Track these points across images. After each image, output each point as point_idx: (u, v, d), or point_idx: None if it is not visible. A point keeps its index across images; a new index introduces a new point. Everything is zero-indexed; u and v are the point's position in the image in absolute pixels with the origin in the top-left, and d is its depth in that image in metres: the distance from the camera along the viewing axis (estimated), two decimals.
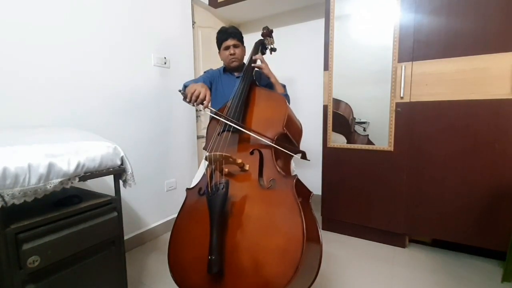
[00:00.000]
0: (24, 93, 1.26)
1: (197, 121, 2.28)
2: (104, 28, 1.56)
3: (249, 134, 1.12)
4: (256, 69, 1.43)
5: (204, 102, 1.11)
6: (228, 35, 1.44)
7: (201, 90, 1.12)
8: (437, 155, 1.59)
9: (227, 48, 1.45)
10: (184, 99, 1.13)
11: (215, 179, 1.06)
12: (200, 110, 1.13)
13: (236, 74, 1.51)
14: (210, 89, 1.51)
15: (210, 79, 1.52)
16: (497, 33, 1.40)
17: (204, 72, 1.60)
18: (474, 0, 1.43)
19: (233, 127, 1.12)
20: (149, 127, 1.87)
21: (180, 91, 1.13)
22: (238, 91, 1.25)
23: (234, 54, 1.45)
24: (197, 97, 1.10)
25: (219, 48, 1.50)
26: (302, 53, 2.55)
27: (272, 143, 1.06)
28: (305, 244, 0.82)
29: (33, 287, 0.80)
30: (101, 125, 1.56)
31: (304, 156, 1.17)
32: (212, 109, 1.15)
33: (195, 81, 1.45)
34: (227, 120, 1.12)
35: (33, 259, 0.78)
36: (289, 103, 1.45)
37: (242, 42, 1.50)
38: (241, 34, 1.49)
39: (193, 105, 1.13)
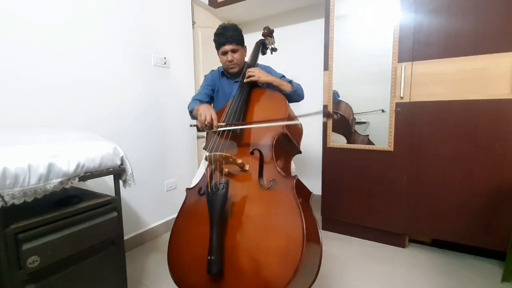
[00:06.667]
0: (25, 93, 1.26)
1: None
2: (104, 28, 1.56)
3: (249, 134, 1.12)
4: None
5: (214, 125, 1.13)
6: (226, 40, 1.33)
7: (206, 114, 1.13)
8: (437, 155, 1.58)
9: (225, 53, 1.36)
10: (198, 130, 1.19)
11: (215, 179, 1.06)
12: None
13: (235, 79, 1.44)
14: (213, 96, 1.49)
15: (211, 86, 1.47)
16: (497, 33, 1.40)
17: (204, 76, 1.55)
18: (474, 0, 1.43)
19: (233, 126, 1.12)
20: (149, 127, 1.86)
21: (191, 125, 1.20)
22: (237, 93, 1.25)
23: (232, 61, 1.36)
24: (204, 122, 1.13)
25: (217, 50, 1.40)
26: (302, 53, 2.55)
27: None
28: (305, 245, 0.82)
29: (33, 287, 0.80)
30: (101, 125, 1.56)
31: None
32: (221, 124, 1.16)
33: (197, 97, 1.42)
34: (231, 126, 1.14)
35: (33, 259, 0.78)
36: (302, 92, 1.40)
37: (242, 44, 1.39)
38: (241, 34, 1.37)
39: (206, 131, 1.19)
